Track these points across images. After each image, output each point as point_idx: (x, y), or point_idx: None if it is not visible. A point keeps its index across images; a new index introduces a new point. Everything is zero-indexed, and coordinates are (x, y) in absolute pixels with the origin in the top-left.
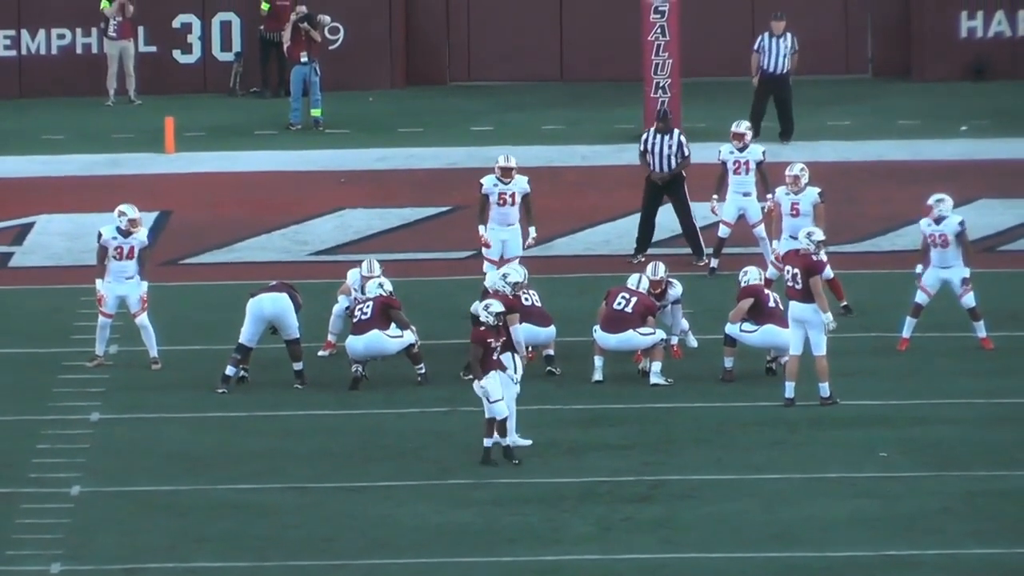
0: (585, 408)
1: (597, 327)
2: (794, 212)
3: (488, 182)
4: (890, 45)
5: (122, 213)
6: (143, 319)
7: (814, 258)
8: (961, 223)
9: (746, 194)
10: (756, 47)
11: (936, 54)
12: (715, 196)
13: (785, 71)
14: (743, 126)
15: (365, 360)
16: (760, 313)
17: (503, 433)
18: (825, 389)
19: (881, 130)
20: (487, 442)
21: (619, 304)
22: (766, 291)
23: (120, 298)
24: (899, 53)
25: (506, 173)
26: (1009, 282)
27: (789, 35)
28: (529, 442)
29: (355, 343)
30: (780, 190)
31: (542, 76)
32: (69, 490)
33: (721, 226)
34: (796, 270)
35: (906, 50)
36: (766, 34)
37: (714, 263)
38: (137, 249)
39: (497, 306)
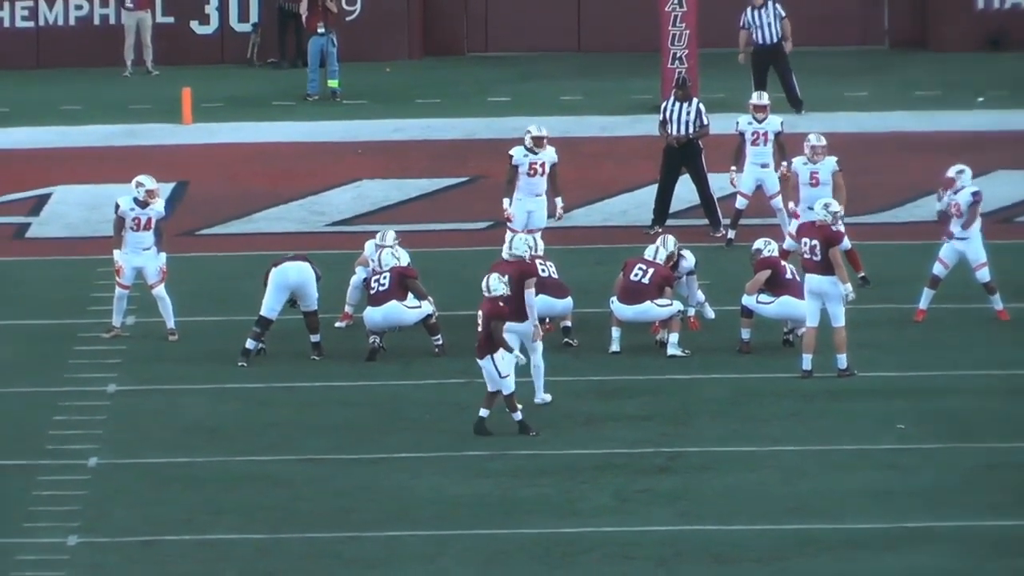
0: (602, 379)
1: (614, 298)
2: (813, 182)
3: (518, 153)
4: (907, 16)
5: (139, 184)
6: (160, 290)
7: (832, 229)
8: (974, 193)
9: (764, 165)
10: (742, 23)
11: (953, 25)
12: (733, 168)
13: (776, 40)
14: (764, 98)
15: (383, 331)
16: (777, 285)
17: (512, 408)
18: (843, 361)
19: (898, 101)
20: (484, 412)
21: (636, 275)
22: (783, 263)
23: (137, 269)
24: (916, 24)
25: (538, 142)
26: None
27: (771, 3)
28: (549, 398)
29: (373, 314)
30: (798, 160)
31: (560, 47)
32: (86, 462)
33: (739, 197)
34: (815, 241)
35: (923, 21)
36: (748, 8)
37: (731, 234)
38: (155, 220)
39: (496, 279)
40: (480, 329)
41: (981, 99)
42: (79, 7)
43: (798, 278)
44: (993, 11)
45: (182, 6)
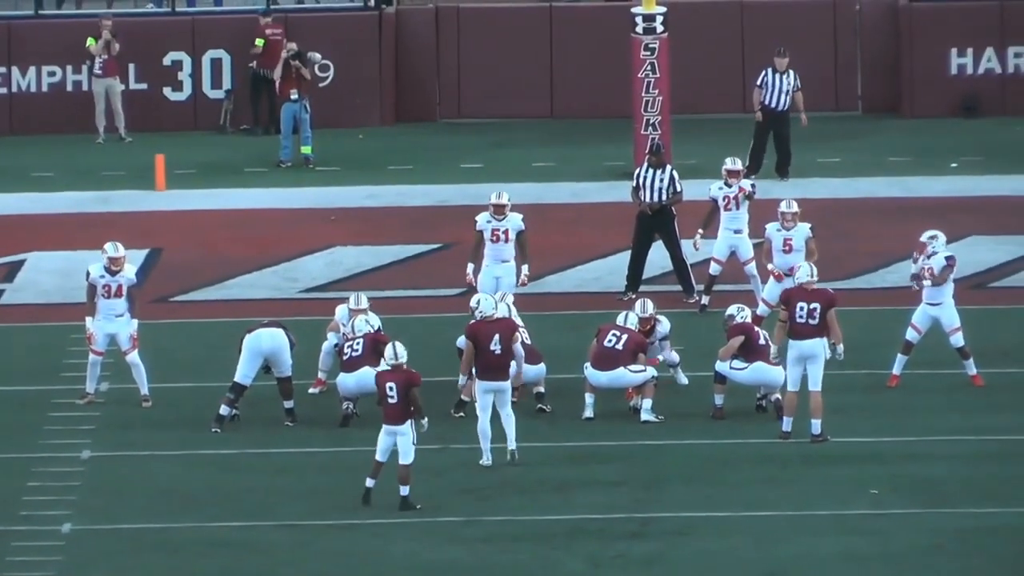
0: (575, 445)
1: (588, 364)
2: (787, 248)
3: (482, 219)
4: (880, 82)
5: (104, 251)
6: (133, 357)
7: (830, 291)
8: (948, 258)
9: (737, 231)
10: (759, 82)
11: (926, 91)
12: (700, 231)
13: (786, 107)
14: (738, 163)
15: (356, 397)
16: (750, 351)
17: (406, 481)
18: (817, 426)
19: (871, 167)
20: (370, 482)
21: (610, 341)
22: (756, 328)
23: (110, 336)
24: (889, 90)
25: (499, 210)
26: (999, 319)
27: (792, 72)
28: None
29: (346, 380)
30: (771, 226)
31: (532, 113)
32: (60, 528)
33: (712, 263)
34: (814, 305)
35: (896, 87)
36: (769, 69)
37: (705, 300)
38: (125, 287)
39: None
40: (395, 399)
41: (955, 165)
42: (52, 73)
43: (771, 344)
44: (966, 77)
45: (155, 73)
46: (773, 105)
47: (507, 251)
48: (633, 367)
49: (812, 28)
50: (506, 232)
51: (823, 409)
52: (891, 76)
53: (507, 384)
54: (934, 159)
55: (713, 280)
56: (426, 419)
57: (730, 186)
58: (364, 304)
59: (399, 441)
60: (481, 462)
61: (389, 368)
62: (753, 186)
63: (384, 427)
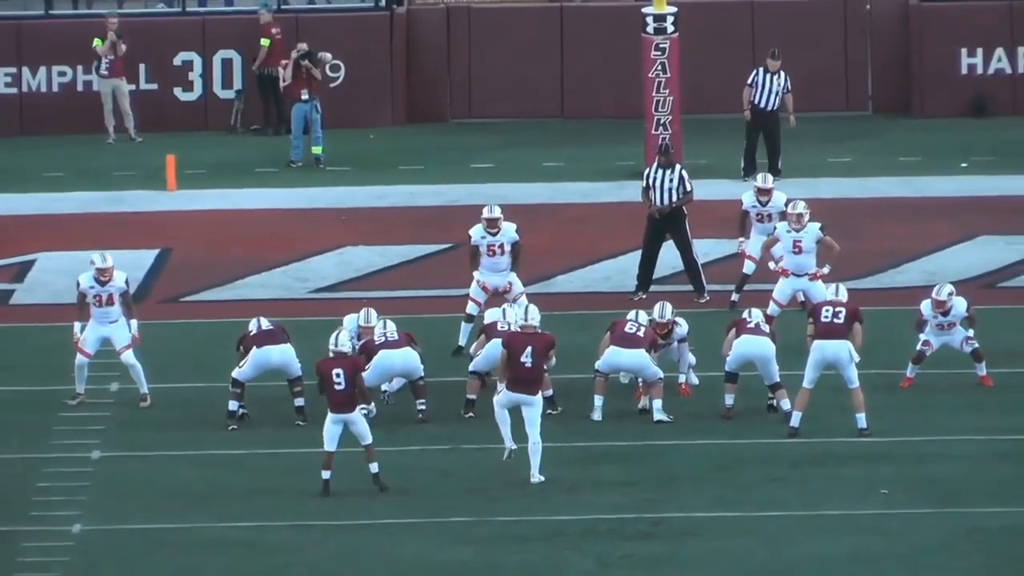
0: (585, 445)
1: (602, 357)
2: (796, 250)
3: (476, 233)
4: (890, 82)
5: (92, 262)
6: (128, 356)
7: (857, 306)
8: (968, 307)
9: (769, 231)
10: (750, 81)
11: (936, 90)
12: (741, 239)
13: (775, 108)
14: (769, 180)
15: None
16: (741, 334)
17: (373, 458)
18: (862, 420)
19: (882, 167)
20: (326, 474)
21: (630, 329)
22: (745, 317)
23: (104, 338)
24: (899, 89)
25: (492, 224)
26: (1010, 319)
27: (783, 73)
28: (543, 478)
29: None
30: (781, 226)
31: (543, 113)
32: (70, 528)
33: (747, 262)
34: (840, 308)
35: (906, 86)
36: (761, 69)
37: (735, 298)
38: (116, 295)
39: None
40: (342, 386)
41: (965, 164)
42: (62, 74)
43: (763, 328)
44: (976, 77)
45: (166, 73)
46: (762, 105)
47: (503, 262)
48: (651, 355)
49: (823, 28)
50: (501, 246)
51: (864, 404)
52: (901, 76)
53: (535, 399)
54: (944, 159)
55: (746, 279)
56: (373, 404)
57: (763, 204)
58: (373, 322)
59: (353, 427)
60: (505, 447)
61: (332, 356)
62: (786, 203)
63: (332, 416)
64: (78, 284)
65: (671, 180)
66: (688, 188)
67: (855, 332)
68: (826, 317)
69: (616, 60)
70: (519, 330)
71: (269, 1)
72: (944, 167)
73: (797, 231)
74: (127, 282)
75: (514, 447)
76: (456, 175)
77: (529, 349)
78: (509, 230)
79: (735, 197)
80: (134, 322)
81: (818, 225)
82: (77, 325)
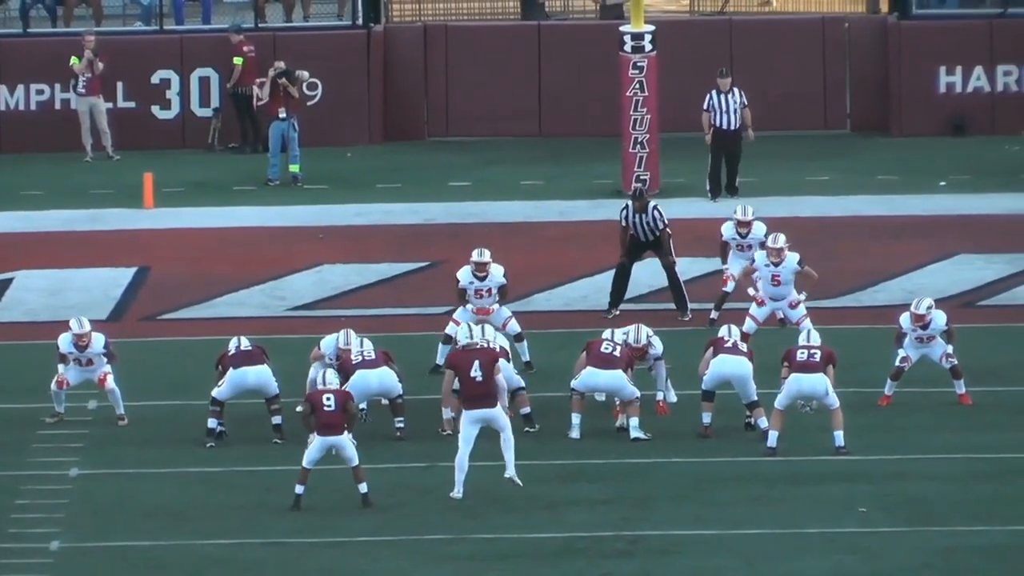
0: (563, 463)
1: (579, 377)
2: (775, 283)
3: (464, 278)
4: (868, 100)
5: (71, 328)
6: (109, 382)
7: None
8: (947, 322)
9: (749, 257)
10: (706, 106)
11: (915, 109)
12: (725, 266)
13: (736, 127)
14: (749, 213)
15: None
16: (718, 353)
17: (361, 479)
18: (840, 438)
19: (860, 185)
20: (300, 489)
21: (606, 348)
22: (721, 335)
23: (86, 380)
24: (878, 108)
25: (481, 268)
26: (988, 337)
27: (736, 91)
28: (514, 477)
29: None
30: (760, 258)
31: (521, 132)
32: (48, 545)
33: (728, 280)
34: (816, 351)
35: (884, 105)
36: (714, 91)
37: (714, 315)
38: (96, 357)
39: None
40: (332, 408)
41: (943, 183)
42: (40, 92)
43: (740, 347)
44: (955, 96)
45: (143, 91)
46: (724, 126)
47: (489, 303)
48: (628, 375)
49: (801, 46)
50: (489, 290)
51: (842, 422)
52: (880, 94)
53: (495, 412)
54: (923, 177)
55: (725, 297)
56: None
57: (743, 236)
58: (352, 344)
59: (342, 452)
60: (452, 494)
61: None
62: (765, 234)
63: (320, 440)
64: (58, 346)
65: (647, 224)
66: (661, 227)
67: (828, 374)
68: (801, 357)
69: (594, 78)
70: (461, 350)
71: (240, 22)
72: (922, 186)
73: (776, 264)
74: (106, 345)
75: (460, 497)
76: (433, 193)
77: (476, 363)
78: (497, 274)
79: (712, 216)
80: (108, 366)
81: (796, 258)
82: (61, 367)
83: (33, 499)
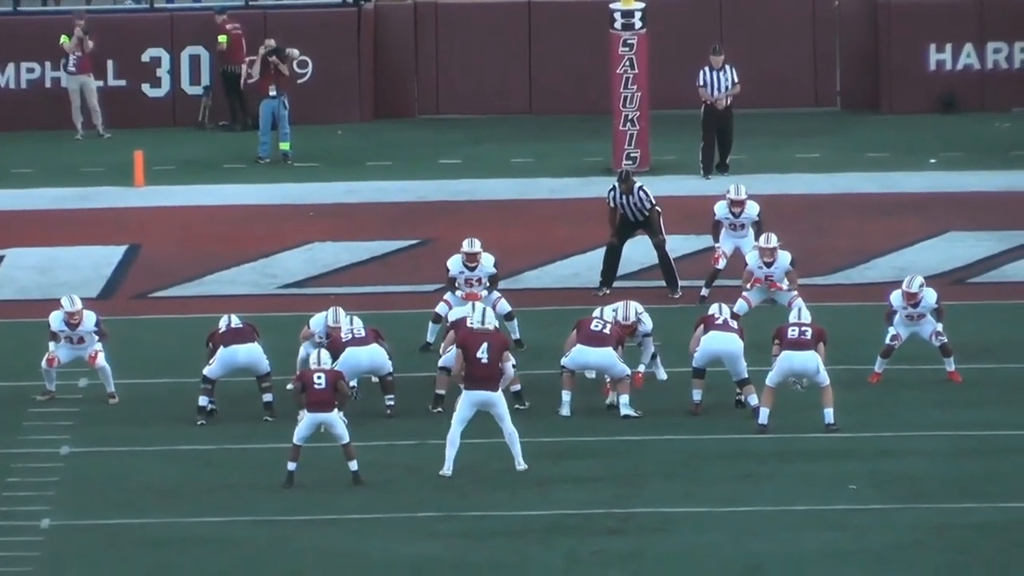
0: (553, 441)
1: (569, 354)
2: (769, 284)
3: (455, 267)
4: (859, 78)
5: (62, 306)
6: (100, 360)
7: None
8: (938, 300)
9: (742, 237)
10: (701, 82)
11: (905, 87)
12: (717, 244)
13: (728, 104)
14: (742, 192)
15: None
16: (709, 330)
17: (352, 456)
18: (830, 415)
19: (850, 163)
20: (292, 466)
21: (596, 327)
22: (712, 313)
23: (77, 358)
24: (868, 86)
25: (471, 258)
26: (978, 314)
27: (728, 67)
28: (525, 466)
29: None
30: (753, 259)
31: (511, 110)
32: (39, 523)
33: (719, 258)
34: (806, 328)
35: (875, 83)
36: (707, 68)
37: (705, 292)
38: (87, 335)
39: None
40: (323, 385)
41: (933, 160)
42: (31, 70)
43: (732, 324)
44: (945, 73)
45: (134, 69)
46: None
47: (479, 290)
48: (618, 353)
49: (791, 24)
50: (480, 279)
51: (832, 399)
52: (870, 72)
53: (496, 396)
54: (913, 155)
55: (716, 274)
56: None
57: (736, 215)
58: (341, 322)
59: (332, 429)
60: (441, 472)
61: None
62: (760, 213)
63: (309, 416)
64: (49, 324)
65: (634, 204)
66: (649, 207)
67: (819, 351)
68: (793, 334)
69: (584, 56)
70: (470, 331)
71: (223, 3)
72: (913, 163)
73: (769, 265)
74: (98, 323)
75: (449, 474)
76: (424, 171)
77: (485, 345)
78: (488, 263)
79: (702, 193)
80: (99, 344)
81: (789, 257)
82: (52, 345)
83: (24, 477)
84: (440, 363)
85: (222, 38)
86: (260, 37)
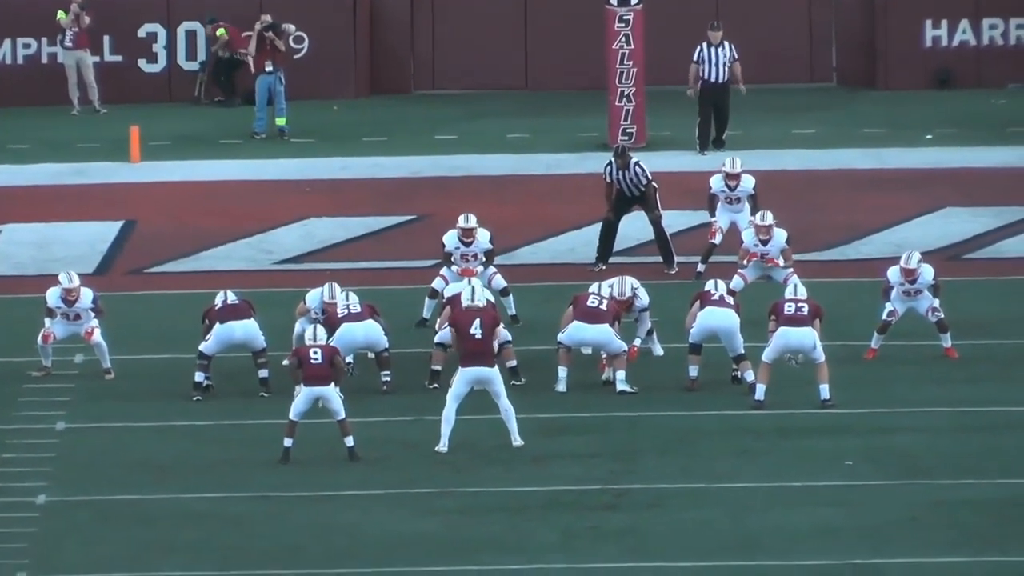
0: (549, 417)
1: (565, 331)
2: (765, 261)
3: (450, 242)
4: (855, 54)
5: (60, 283)
6: (96, 336)
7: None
8: (935, 276)
9: (738, 211)
10: (696, 58)
11: (901, 63)
12: (713, 219)
13: (725, 80)
14: (737, 165)
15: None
16: (705, 306)
17: (348, 432)
18: (825, 391)
19: (846, 138)
20: (289, 442)
21: (592, 303)
22: (708, 289)
23: (73, 334)
24: (864, 62)
25: (467, 233)
26: (974, 290)
27: (727, 44)
28: (522, 442)
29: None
30: (748, 236)
31: (507, 85)
32: (35, 499)
33: (716, 233)
34: (803, 305)
35: (871, 59)
36: (704, 44)
37: (701, 268)
38: (83, 311)
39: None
40: (319, 360)
41: (929, 136)
42: (27, 46)
43: (728, 300)
44: (940, 49)
45: (130, 45)
46: (713, 79)
47: (474, 265)
48: (614, 329)
49: (787, 0)
50: (475, 255)
51: (828, 375)
52: (866, 48)
53: (492, 372)
54: (909, 131)
55: (712, 249)
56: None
57: (732, 188)
58: (337, 297)
59: (328, 404)
60: (437, 448)
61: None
62: (755, 186)
63: (306, 390)
64: (46, 300)
65: (631, 180)
66: (645, 182)
67: (815, 327)
68: (789, 310)
69: (580, 32)
70: (463, 310)
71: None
72: (908, 139)
73: (765, 243)
74: (95, 299)
75: (445, 450)
76: (420, 147)
77: (477, 321)
78: (483, 239)
79: (698, 169)
80: (95, 321)
81: (784, 235)
82: (48, 321)
83: (19, 453)
84: (436, 339)
85: (220, 31)
86: (256, 12)
